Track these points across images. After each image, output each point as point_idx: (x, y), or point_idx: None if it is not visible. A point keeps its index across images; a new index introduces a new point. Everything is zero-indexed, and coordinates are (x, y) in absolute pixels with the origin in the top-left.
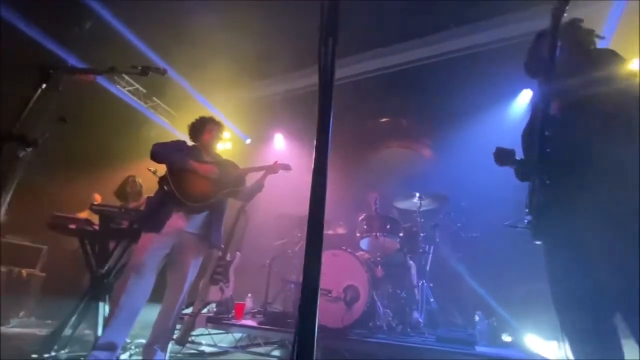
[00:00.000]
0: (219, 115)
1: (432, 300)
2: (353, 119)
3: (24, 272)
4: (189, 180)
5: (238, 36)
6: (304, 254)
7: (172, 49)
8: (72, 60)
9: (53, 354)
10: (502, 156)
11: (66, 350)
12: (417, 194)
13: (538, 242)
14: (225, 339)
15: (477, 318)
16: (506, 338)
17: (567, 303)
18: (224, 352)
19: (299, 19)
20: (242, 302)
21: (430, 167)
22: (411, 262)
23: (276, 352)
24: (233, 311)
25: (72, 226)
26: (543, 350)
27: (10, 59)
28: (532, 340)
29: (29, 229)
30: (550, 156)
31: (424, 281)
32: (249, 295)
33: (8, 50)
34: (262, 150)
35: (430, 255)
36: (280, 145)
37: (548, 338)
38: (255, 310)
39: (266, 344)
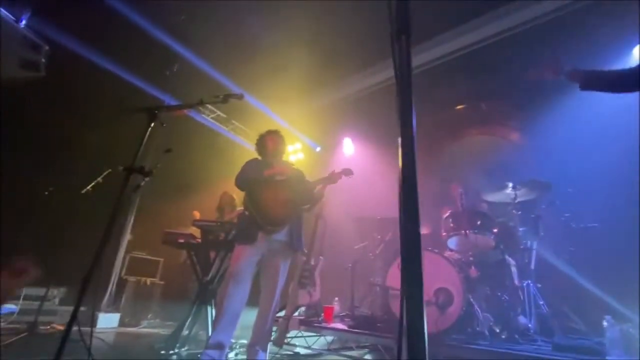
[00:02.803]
0: (289, 128)
1: (541, 303)
2: (427, 109)
3: (148, 281)
4: (267, 205)
5: (298, 46)
6: (385, 256)
7: (240, 71)
8: (167, 99)
9: (176, 350)
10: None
11: (185, 348)
12: (510, 184)
13: None
14: (317, 342)
15: (605, 324)
16: None
17: None
18: (318, 354)
19: (354, 20)
20: (330, 306)
21: (521, 152)
22: (512, 260)
23: (368, 356)
24: (322, 314)
25: (181, 240)
26: None
27: (120, 103)
28: None
29: (148, 245)
30: None
31: (530, 281)
32: (336, 298)
33: (119, 97)
34: (332, 156)
35: (534, 251)
36: (349, 149)
37: None
38: (344, 314)
39: (358, 347)
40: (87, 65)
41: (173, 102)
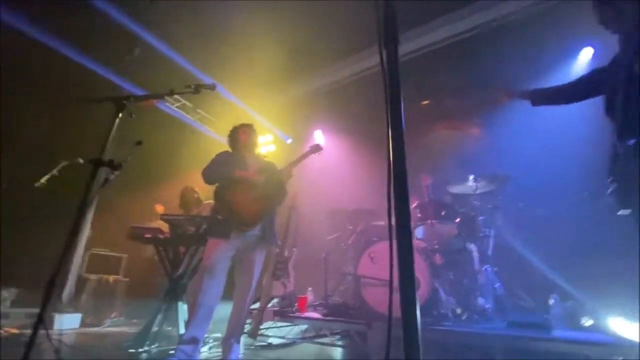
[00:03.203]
0: (259, 119)
1: (497, 285)
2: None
3: (111, 278)
4: (239, 206)
5: (270, 37)
6: (356, 247)
7: (208, 59)
8: (127, 86)
9: (146, 348)
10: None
11: (155, 345)
12: (472, 176)
13: (625, 212)
14: (291, 331)
15: (551, 302)
16: (586, 322)
17: None
18: (292, 343)
19: (327, 12)
20: (304, 296)
21: (482, 146)
22: (473, 247)
23: (340, 342)
24: (296, 304)
25: (148, 235)
26: (632, 334)
27: (76, 90)
28: (618, 323)
29: (110, 241)
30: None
31: (488, 266)
32: (310, 289)
33: (75, 83)
34: (303, 148)
35: (492, 238)
36: (320, 141)
37: (637, 320)
38: (317, 303)
39: (331, 334)
40: (39, 47)
41: (134, 90)
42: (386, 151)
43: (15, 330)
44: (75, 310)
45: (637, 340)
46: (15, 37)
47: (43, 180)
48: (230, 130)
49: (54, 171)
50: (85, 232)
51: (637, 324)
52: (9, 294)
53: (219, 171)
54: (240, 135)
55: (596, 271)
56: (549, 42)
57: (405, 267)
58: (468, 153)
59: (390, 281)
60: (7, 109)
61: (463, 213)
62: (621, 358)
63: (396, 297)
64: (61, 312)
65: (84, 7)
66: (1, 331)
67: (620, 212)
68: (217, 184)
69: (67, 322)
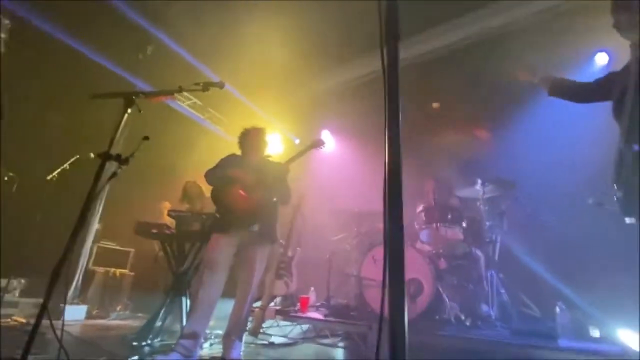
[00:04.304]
0: (267, 119)
1: (502, 291)
2: (403, 106)
3: (117, 272)
4: (231, 207)
5: (281, 38)
6: (360, 248)
7: (218, 59)
8: (138, 83)
9: (149, 342)
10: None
11: (158, 339)
12: (479, 181)
13: (631, 220)
14: (293, 331)
15: (557, 310)
16: (593, 332)
17: None
18: (293, 342)
19: (336, 14)
20: (306, 296)
21: (491, 151)
22: (478, 252)
23: (341, 343)
24: (298, 304)
25: (154, 231)
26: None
27: (87, 86)
28: (627, 335)
29: (118, 235)
30: None
31: (493, 272)
32: (312, 288)
33: (86, 78)
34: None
35: (498, 244)
36: (328, 142)
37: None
38: (319, 304)
39: (332, 335)
40: (52, 43)
41: (144, 88)
42: (383, 152)
43: (23, 320)
44: (82, 302)
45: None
46: (30, 33)
47: (55, 173)
48: (241, 132)
49: (65, 165)
50: (94, 225)
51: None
52: (18, 283)
53: (217, 173)
54: (251, 138)
55: (603, 280)
56: (561, 48)
57: (394, 268)
58: (476, 157)
59: (384, 282)
60: (22, 101)
61: (470, 217)
62: None
63: None
64: (69, 303)
65: (98, 4)
66: (9, 320)
67: (627, 221)
68: (211, 193)
69: (74, 314)
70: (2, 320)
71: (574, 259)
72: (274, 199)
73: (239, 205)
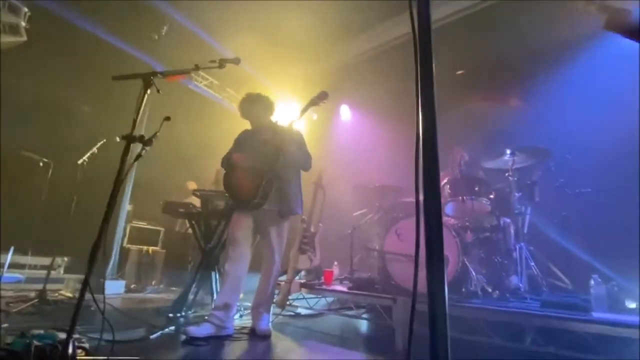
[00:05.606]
0: (285, 96)
1: (532, 264)
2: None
3: (150, 249)
4: (234, 185)
5: (296, 13)
6: (383, 223)
7: (234, 37)
8: (154, 64)
9: (183, 313)
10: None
11: (192, 311)
12: (509, 151)
13: None
14: (318, 303)
15: (592, 282)
16: (631, 305)
17: None
18: (319, 314)
19: None
20: (330, 270)
21: (520, 119)
22: (507, 224)
23: (365, 315)
24: (322, 277)
25: (181, 210)
26: None
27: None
28: None
29: (147, 214)
30: None
31: (522, 244)
32: (335, 263)
33: (105, 62)
34: (329, 123)
35: (528, 216)
36: (346, 116)
37: None
38: (343, 277)
39: (356, 307)
40: (71, 28)
41: (161, 68)
42: (415, 120)
43: (69, 294)
44: (120, 278)
45: None
46: (48, 19)
47: (85, 157)
48: (238, 105)
49: (94, 149)
50: (125, 206)
51: None
52: (62, 261)
53: (223, 161)
54: (247, 107)
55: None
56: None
57: (434, 246)
58: (505, 126)
59: (416, 256)
60: (39, 90)
61: (498, 189)
62: None
63: (422, 273)
64: (108, 279)
65: None
66: (56, 295)
67: None
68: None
69: (113, 288)
70: (51, 295)
71: (609, 231)
72: (293, 167)
73: (241, 189)
